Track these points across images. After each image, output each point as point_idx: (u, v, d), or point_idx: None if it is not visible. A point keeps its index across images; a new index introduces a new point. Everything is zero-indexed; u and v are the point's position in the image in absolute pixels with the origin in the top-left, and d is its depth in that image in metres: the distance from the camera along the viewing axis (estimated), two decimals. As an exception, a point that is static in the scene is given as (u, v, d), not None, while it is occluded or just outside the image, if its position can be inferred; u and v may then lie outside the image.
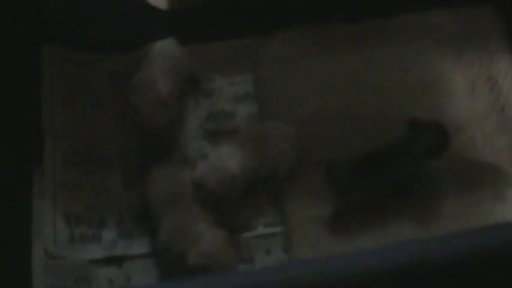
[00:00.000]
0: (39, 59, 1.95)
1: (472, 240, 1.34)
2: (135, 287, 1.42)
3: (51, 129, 1.87)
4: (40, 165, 1.81)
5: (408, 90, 1.96)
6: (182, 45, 1.94)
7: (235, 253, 1.69)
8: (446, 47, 2.03)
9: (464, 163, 1.86)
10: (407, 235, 1.74)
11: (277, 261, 1.73)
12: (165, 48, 1.90)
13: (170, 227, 1.68)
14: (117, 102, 1.92)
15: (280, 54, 2.00)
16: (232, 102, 1.95)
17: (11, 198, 1.71)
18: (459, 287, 1.39)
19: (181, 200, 1.71)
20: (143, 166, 1.83)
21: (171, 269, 1.68)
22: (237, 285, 1.28)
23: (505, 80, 1.98)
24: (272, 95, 1.95)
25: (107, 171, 1.84)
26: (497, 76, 1.99)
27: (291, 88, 1.96)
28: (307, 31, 2.03)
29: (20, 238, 1.71)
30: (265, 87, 1.97)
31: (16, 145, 1.78)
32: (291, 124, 1.84)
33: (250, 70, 1.99)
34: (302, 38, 2.02)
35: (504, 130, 1.91)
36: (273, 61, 1.99)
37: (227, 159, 1.74)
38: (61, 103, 1.92)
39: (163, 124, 1.80)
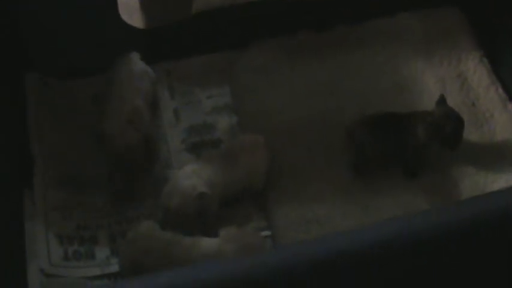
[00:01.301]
0: (23, 87, 1.99)
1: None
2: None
3: (40, 153, 1.91)
4: (30, 189, 1.85)
5: (381, 92, 2.02)
6: (160, 62, 2.00)
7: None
8: (416, 48, 2.10)
9: (441, 158, 1.91)
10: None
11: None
12: (127, 66, 1.93)
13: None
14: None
15: (257, 65, 2.06)
16: (213, 115, 2.00)
17: (3, 222, 1.74)
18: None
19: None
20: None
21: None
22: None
23: (474, 76, 2.04)
24: (250, 105, 2.00)
25: (96, 190, 1.88)
26: (466, 73, 2.05)
27: (269, 98, 2.01)
28: (281, 42, 2.09)
29: (16, 260, 1.74)
30: (243, 98, 2.02)
31: (5, 170, 1.81)
32: (260, 135, 1.88)
33: (228, 82, 2.05)
34: (277, 48, 2.08)
35: (476, 124, 1.97)
36: (250, 72, 2.05)
37: (190, 178, 1.76)
38: (48, 128, 1.96)
39: (135, 143, 1.82)
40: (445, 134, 1.85)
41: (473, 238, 1.45)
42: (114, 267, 1.76)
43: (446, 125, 1.85)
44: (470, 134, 1.95)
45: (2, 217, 1.74)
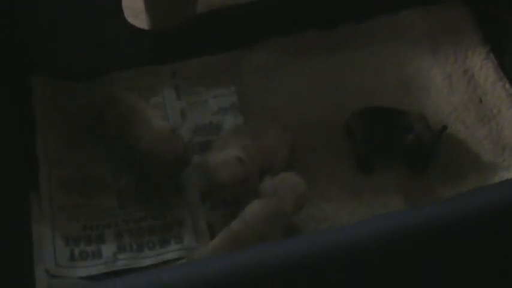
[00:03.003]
0: (30, 90, 2.00)
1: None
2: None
3: (45, 156, 1.91)
4: (36, 190, 1.84)
5: (387, 89, 2.02)
6: (165, 63, 2.02)
7: None
8: (421, 45, 2.09)
9: (448, 154, 1.91)
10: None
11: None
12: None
13: None
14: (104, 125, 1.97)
15: (261, 64, 2.05)
16: (219, 114, 2.00)
17: (11, 223, 1.74)
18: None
19: None
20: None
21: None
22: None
23: (480, 72, 2.04)
24: (256, 104, 2.00)
25: (102, 191, 1.88)
26: (472, 69, 2.05)
27: (274, 97, 2.01)
28: (285, 41, 2.09)
29: (24, 261, 1.74)
30: (248, 98, 2.01)
31: (12, 172, 1.82)
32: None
33: (233, 82, 2.04)
34: (280, 47, 2.08)
35: (484, 120, 1.97)
36: (255, 72, 2.05)
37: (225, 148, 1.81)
38: (53, 131, 1.96)
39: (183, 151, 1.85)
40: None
41: (478, 229, 1.45)
42: (121, 263, 1.76)
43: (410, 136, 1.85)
44: (478, 130, 1.95)
45: (9, 219, 1.73)
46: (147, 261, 1.77)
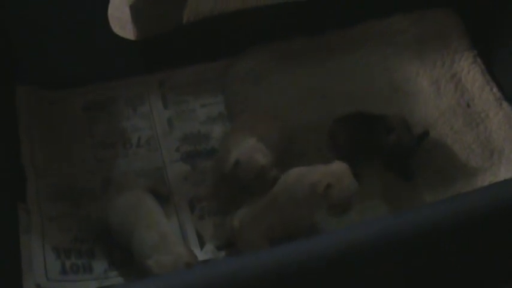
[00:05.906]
0: (14, 98, 1.99)
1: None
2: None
3: (32, 166, 1.89)
4: (25, 201, 1.83)
5: (376, 95, 2.02)
6: (152, 73, 2.02)
7: None
8: (409, 50, 2.09)
9: (436, 159, 1.91)
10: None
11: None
12: None
13: None
14: (93, 134, 1.97)
15: (248, 72, 2.05)
16: (207, 124, 2.00)
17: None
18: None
19: None
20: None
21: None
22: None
23: (467, 77, 2.04)
24: (244, 112, 1.98)
25: (92, 203, 1.87)
26: (460, 73, 2.05)
27: (262, 105, 2.00)
28: (272, 48, 2.09)
29: (11, 275, 1.71)
30: (236, 106, 2.01)
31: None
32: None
33: (221, 91, 2.05)
34: (268, 55, 2.08)
35: (471, 124, 1.97)
36: (242, 80, 2.05)
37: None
38: (39, 140, 1.95)
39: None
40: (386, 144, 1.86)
41: (469, 232, 1.45)
42: (112, 281, 1.75)
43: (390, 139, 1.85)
44: (466, 134, 1.95)
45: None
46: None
